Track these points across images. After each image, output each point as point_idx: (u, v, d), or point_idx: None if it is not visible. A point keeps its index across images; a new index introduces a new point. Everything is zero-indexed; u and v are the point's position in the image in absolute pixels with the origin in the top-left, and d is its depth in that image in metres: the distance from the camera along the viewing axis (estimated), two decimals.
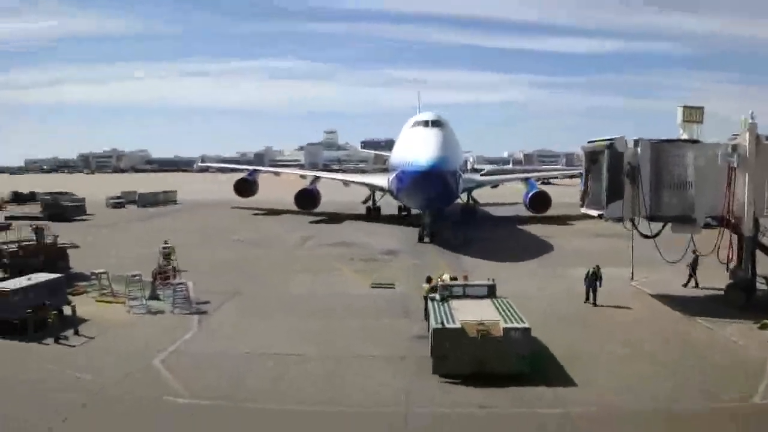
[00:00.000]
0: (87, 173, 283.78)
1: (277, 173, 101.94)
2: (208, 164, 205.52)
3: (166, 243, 38.05)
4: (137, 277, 32.65)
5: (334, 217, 71.87)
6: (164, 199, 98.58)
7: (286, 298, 33.36)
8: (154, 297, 32.53)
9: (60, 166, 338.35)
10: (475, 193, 78.83)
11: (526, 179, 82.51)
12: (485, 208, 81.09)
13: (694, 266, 35.40)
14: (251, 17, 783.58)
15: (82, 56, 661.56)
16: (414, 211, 64.28)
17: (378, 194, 75.69)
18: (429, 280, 29.41)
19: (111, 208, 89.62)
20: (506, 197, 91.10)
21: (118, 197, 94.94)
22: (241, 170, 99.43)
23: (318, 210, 73.75)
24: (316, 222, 68.20)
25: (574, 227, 62.52)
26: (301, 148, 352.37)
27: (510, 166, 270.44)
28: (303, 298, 33.50)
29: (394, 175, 57.96)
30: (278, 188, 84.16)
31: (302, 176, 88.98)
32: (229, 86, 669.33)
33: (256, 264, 43.45)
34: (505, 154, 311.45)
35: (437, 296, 25.85)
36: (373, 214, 74.50)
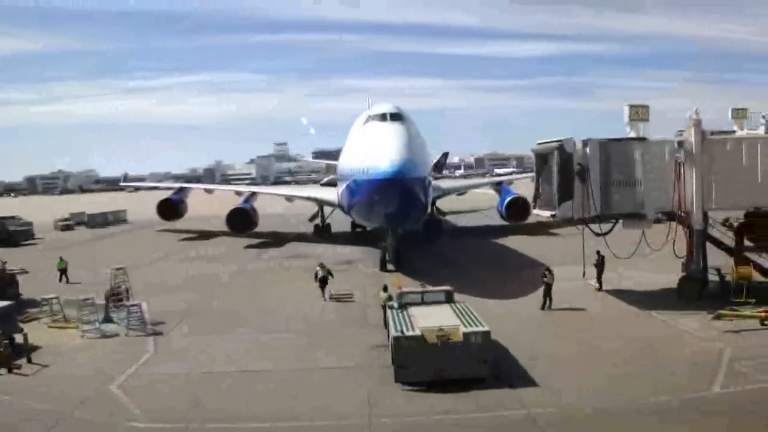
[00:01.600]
0: (13, 196, 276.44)
1: (208, 190, 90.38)
2: (135, 184, 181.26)
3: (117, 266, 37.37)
4: (89, 301, 31.95)
5: (276, 240, 62.71)
6: (114, 219, 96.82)
7: (243, 315, 33.06)
8: (107, 320, 31.82)
9: (6, 190, 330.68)
10: (439, 202, 69.10)
11: (499, 184, 74.01)
12: (450, 218, 74.17)
13: (599, 267, 35.26)
14: (190, 32, 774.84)
15: (21, 76, 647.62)
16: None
17: (328, 209, 64.62)
18: (385, 288, 29.44)
19: (60, 230, 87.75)
20: (468, 204, 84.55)
21: (67, 219, 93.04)
22: (168, 189, 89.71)
23: (258, 230, 64.63)
24: (253, 246, 59.10)
25: (562, 239, 52.68)
26: (252, 162, 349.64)
27: (462, 171, 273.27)
28: (259, 313, 33.24)
29: (344, 186, 46.79)
30: (215, 205, 74.33)
31: (237, 193, 79.12)
32: (175, 101, 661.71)
33: (211, 281, 43.00)
34: (456, 159, 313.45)
35: (395, 304, 25.86)
36: (322, 233, 64.69)
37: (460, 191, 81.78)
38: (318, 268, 36.99)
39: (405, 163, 37.40)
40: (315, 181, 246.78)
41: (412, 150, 39.06)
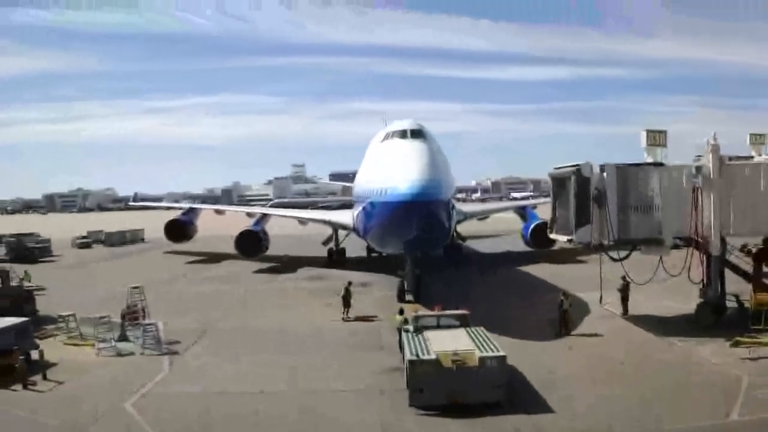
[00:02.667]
0: (41, 213, 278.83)
1: (220, 212, 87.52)
2: (145, 204, 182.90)
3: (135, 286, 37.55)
4: (105, 319, 32.15)
5: (287, 265, 60.46)
6: (131, 238, 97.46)
7: (257, 336, 33.06)
8: (123, 338, 31.97)
9: (25, 207, 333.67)
10: (460, 228, 62.46)
11: (523, 208, 70.16)
12: (470, 243, 70.05)
13: (623, 292, 34.96)
14: (205, 54, 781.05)
15: (42, 95, 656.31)
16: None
17: (343, 232, 63.39)
18: (401, 311, 29.35)
19: (77, 248, 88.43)
20: (487, 228, 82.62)
21: (85, 237, 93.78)
22: (178, 209, 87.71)
23: (269, 254, 62.88)
24: (261, 271, 57.25)
25: (587, 266, 46.73)
26: (270, 182, 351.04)
27: (479, 194, 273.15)
28: (274, 334, 33.23)
29: (360, 208, 44.91)
30: (226, 226, 72.60)
31: (249, 215, 77.47)
32: (191, 123, 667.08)
33: (228, 298, 43.14)
34: (473, 183, 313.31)
35: (411, 327, 25.79)
36: (336, 258, 62.89)
37: (482, 216, 79.12)
38: (343, 289, 37.17)
39: (427, 184, 34.44)
40: (330, 207, 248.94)
41: (434, 170, 36.06)
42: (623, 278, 34.51)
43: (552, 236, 35.81)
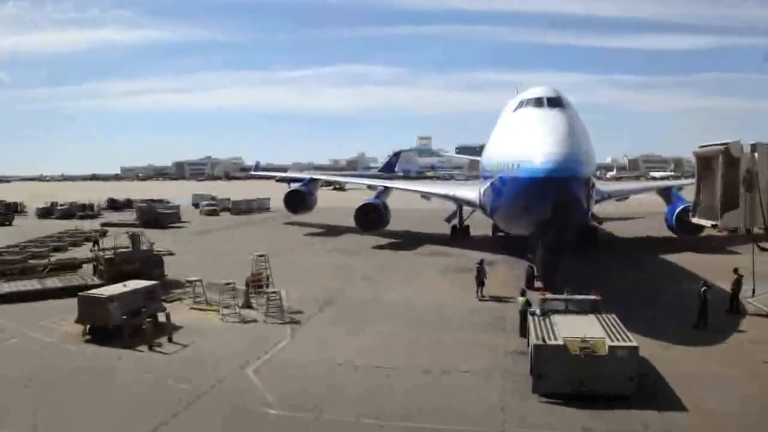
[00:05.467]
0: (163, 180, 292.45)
1: (340, 186, 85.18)
2: (266, 172, 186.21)
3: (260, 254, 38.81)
4: (231, 286, 33.47)
5: (408, 240, 60.94)
6: (258, 207, 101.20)
7: (380, 309, 33.60)
8: (247, 305, 33.32)
9: (156, 174, 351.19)
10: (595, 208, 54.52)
11: (667, 189, 65.92)
12: (606, 226, 67.10)
13: (735, 287, 32.60)
14: (325, 24, 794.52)
15: (168, 66, 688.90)
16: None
17: (468, 209, 62.47)
18: (523, 292, 28.95)
19: (205, 215, 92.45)
20: (625, 210, 79.87)
21: (213, 204, 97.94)
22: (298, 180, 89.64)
23: (389, 228, 63.04)
24: (381, 247, 57.53)
25: (742, 257, 41.39)
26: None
27: (614, 172, 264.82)
28: (397, 308, 33.66)
29: (488, 184, 43.51)
30: (347, 198, 74.98)
31: (370, 187, 77.97)
32: (315, 93, 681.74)
33: (350, 271, 44.08)
34: (608, 160, 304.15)
35: (537, 311, 25.43)
36: (459, 236, 62.40)
37: (621, 196, 74.48)
38: (477, 264, 37.12)
39: (565, 158, 31.57)
40: (450, 177, 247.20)
41: (574, 142, 33.03)
42: (735, 270, 32.56)
43: (694, 221, 34.19)
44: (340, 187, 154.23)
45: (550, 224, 33.76)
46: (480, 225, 61.50)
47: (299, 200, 73.84)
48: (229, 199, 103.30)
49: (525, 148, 33.83)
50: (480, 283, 36.33)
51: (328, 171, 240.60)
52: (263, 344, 26.93)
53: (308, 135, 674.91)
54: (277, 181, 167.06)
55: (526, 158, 32.99)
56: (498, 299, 35.39)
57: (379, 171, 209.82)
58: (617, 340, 21.47)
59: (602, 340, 21.26)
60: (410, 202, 79.03)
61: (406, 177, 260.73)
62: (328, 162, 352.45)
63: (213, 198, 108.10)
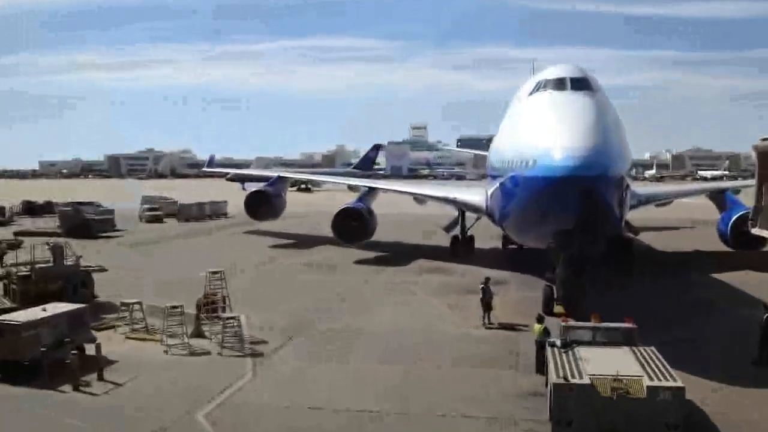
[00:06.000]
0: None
1: (305, 186, 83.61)
2: (222, 169, 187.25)
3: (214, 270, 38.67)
4: (177, 310, 33.25)
5: (399, 254, 60.67)
6: (211, 211, 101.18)
7: (362, 339, 33.58)
8: (198, 334, 33.16)
9: (84, 170, 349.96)
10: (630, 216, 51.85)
11: (721, 192, 64.94)
12: (644, 237, 67.30)
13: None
14: None
15: (102, 37, 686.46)
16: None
17: (472, 216, 61.81)
18: (540, 319, 28.91)
19: (146, 221, 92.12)
20: (667, 218, 79.88)
21: (155, 209, 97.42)
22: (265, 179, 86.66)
23: (375, 239, 63.02)
24: (365, 262, 57.73)
25: None
26: (382, 148, 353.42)
27: (654, 171, 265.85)
28: (382, 338, 33.66)
29: (496, 185, 43.30)
30: (322, 204, 74.03)
31: (352, 188, 78.69)
32: (284, 71, 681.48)
33: (325, 293, 43.99)
34: (647, 156, 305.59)
35: (558, 341, 25.35)
36: (461, 249, 61.17)
37: (662, 200, 73.21)
38: (481, 285, 36.92)
39: (593, 153, 31.11)
40: (460, 177, 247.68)
41: (603, 133, 32.70)
42: (765, 306, 31.11)
43: (755, 231, 34.33)
44: (305, 188, 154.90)
45: (573, 235, 33.46)
46: (487, 236, 61.82)
47: (264, 204, 73.16)
48: (176, 202, 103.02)
49: (543, 140, 33.68)
50: (486, 307, 36.28)
51: (300, 168, 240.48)
52: (217, 383, 26.69)
53: (275, 124, 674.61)
54: (229, 179, 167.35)
55: (544, 153, 32.60)
56: (509, 327, 35.45)
57: (353, 168, 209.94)
58: (657, 378, 21.40)
59: (639, 378, 21.20)
60: (401, 206, 79.17)
61: (396, 176, 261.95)
62: (299, 157, 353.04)
63: (167, 200, 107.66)
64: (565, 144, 31.56)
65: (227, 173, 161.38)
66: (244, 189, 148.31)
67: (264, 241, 70.78)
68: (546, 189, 32.46)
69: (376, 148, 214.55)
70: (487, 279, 37.76)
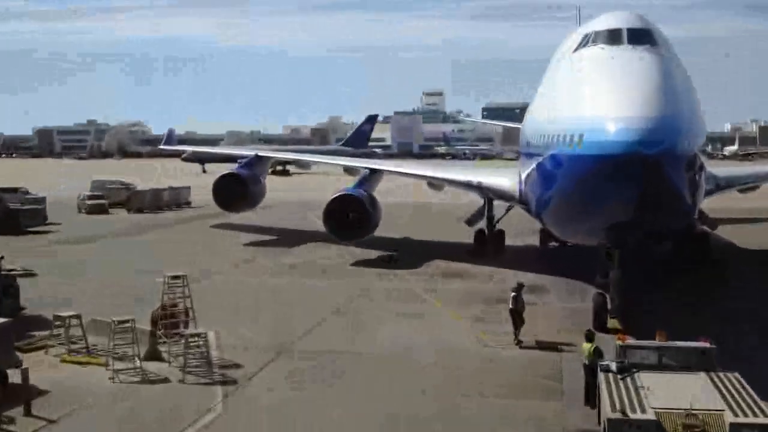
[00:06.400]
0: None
1: (283, 167, 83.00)
2: (184, 147, 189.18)
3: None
4: (128, 325, 33.02)
5: (408, 254, 60.53)
6: (171, 200, 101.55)
7: (359, 361, 33.48)
8: (153, 356, 32.92)
9: (7, 148, 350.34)
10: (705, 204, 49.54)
11: None
12: (722, 231, 64.64)
13: None
14: None
15: None
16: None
17: (501, 205, 62.05)
18: (590, 336, 28.61)
19: (86, 212, 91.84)
20: (753, 206, 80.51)
21: (98, 196, 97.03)
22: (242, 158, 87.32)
23: (377, 235, 62.20)
24: (365, 263, 57.71)
25: None
26: (387, 120, 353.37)
27: (735, 147, 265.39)
28: (385, 360, 33.52)
29: (533, 166, 43.30)
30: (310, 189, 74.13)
31: (349, 170, 77.27)
32: (257, 23, 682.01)
33: (315, 303, 43.91)
34: (727, 128, 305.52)
35: (613, 365, 25.17)
36: (487, 247, 60.87)
37: (747, 185, 69.95)
38: (512, 293, 36.42)
39: (657, 124, 30.64)
40: (486, 156, 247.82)
41: (670, 99, 32.17)
42: None
43: None
44: (282, 170, 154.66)
45: (632, 229, 33.68)
46: (521, 230, 62.20)
47: (237, 190, 72.60)
48: (127, 187, 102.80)
49: (592, 108, 33.66)
50: (518, 320, 35.92)
51: (284, 145, 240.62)
52: (178, 418, 26.55)
53: (251, 90, 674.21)
54: (185, 160, 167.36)
55: (594, 124, 32.47)
56: (549, 346, 35.19)
57: (341, 145, 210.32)
58: (743, 413, 21.20)
59: (719, 413, 21.04)
60: (411, 193, 78.81)
61: (405, 154, 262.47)
62: (282, 131, 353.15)
63: (127, 186, 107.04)
64: (621, 113, 31.48)
65: (180, 152, 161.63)
66: (204, 171, 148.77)
67: (238, 237, 70.89)
68: (597, 171, 32.41)
69: (371, 120, 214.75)
70: (520, 285, 37.34)
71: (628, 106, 31.45)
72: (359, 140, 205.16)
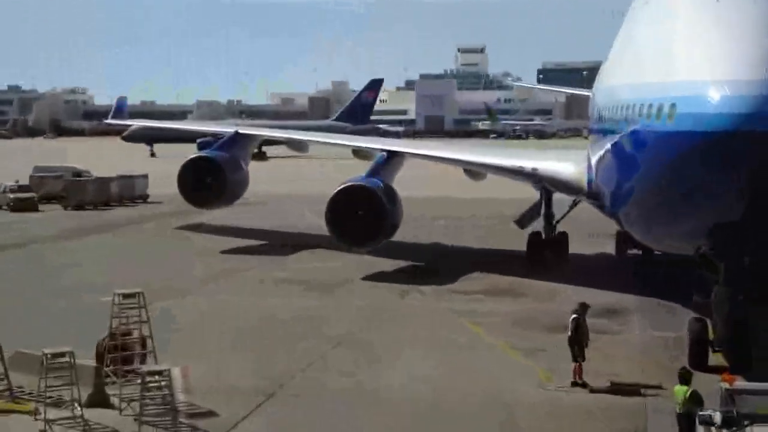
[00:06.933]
0: None
1: (258, 150, 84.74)
2: (138, 121, 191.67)
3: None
4: (65, 359, 33.08)
5: (439, 264, 61.74)
6: (123, 192, 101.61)
7: (379, 410, 33.35)
8: (100, 400, 32.94)
9: None
10: None
11: None
12: None
13: None
14: None
15: None
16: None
17: (563, 200, 63.20)
18: (686, 377, 28.52)
19: (10, 209, 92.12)
20: None
21: (25, 188, 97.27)
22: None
23: (396, 239, 62.24)
24: (381, 277, 58.02)
25: None
26: (410, 87, 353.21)
27: None
28: (413, 407, 33.39)
29: (606, 147, 43.88)
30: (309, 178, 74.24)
31: (357, 153, 80.00)
32: None
33: (316, 329, 44.11)
34: None
35: (717, 415, 25.15)
36: (545, 255, 61.22)
37: None
38: (573, 315, 35.99)
39: None
40: (542, 135, 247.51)
41: None
42: None
43: None
44: (258, 153, 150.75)
45: (745, 233, 33.03)
46: (589, 231, 63.06)
47: (211, 179, 72.14)
48: (62, 176, 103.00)
49: (688, 69, 33.50)
50: (578, 354, 35.46)
51: (273, 121, 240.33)
52: None
53: (230, 47, 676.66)
54: (126, 139, 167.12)
55: (692, 91, 32.17)
56: (629, 389, 34.75)
57: (334, 120, 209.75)
58: None
59: None
60: (442, 183, 78.76)
61: (434, 132, 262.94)
62: (270, 101, 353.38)
63: (87, 175, 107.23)
64: (728, 75, 31.08)
65: (155, 127, 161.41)
66: (153, 155, 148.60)
67: (212, 242, 71.13)
68: (695, 154, 32.11)
69: (375, 85, 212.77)
70: (584, 306, 36.95)
71: (738, 65, 31.06)
72: (359, 113, 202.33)
